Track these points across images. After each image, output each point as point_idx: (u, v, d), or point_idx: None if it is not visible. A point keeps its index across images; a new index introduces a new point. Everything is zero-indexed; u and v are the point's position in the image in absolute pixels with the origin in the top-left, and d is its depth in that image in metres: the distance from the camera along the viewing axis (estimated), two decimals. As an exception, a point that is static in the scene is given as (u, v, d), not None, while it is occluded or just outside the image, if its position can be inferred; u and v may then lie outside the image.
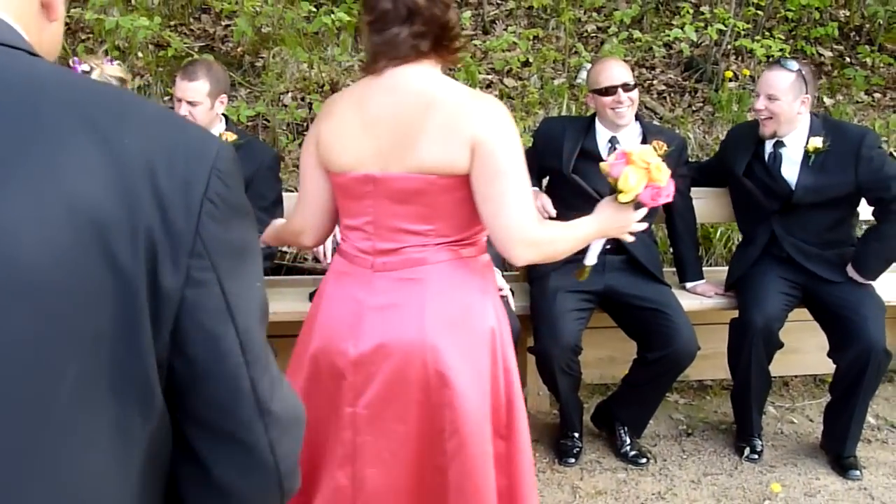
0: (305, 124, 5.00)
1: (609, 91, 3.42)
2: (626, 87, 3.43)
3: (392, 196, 2.01)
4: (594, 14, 5.72)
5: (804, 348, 4.02)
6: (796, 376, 4.32)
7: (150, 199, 0.78)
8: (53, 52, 0.96)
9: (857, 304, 3.44)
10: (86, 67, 2.57)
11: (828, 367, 3.63)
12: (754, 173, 3.67)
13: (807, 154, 3.56)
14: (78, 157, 0.77)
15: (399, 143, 1.97)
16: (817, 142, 3.54)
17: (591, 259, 2.52)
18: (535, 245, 1.99)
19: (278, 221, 2.63)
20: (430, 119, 1.94)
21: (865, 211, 3.66)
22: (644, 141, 3.48)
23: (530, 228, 1.96)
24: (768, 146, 3.64)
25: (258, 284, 0.89)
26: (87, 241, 0.75)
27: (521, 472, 2.14)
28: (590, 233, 2.20)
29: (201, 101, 3.36)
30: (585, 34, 5.84)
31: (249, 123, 4.86)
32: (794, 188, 3.55)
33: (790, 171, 3.58)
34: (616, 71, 3.46)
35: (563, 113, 5.09)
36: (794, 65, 3.55)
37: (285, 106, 5.09)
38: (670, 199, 2.27)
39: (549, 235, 2.05)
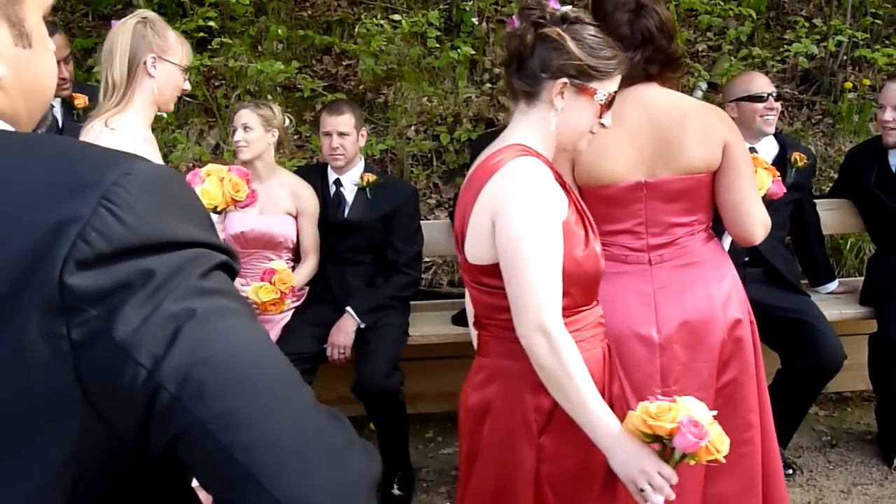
0: (431, 155, 5.20)
1: (761, 98, 3.49)
2: (775, 97, 3.52)
3: (663, 197, 2.30)
4: (707, 34, 5.77)
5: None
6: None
7: (17, 254, 0.69)
8: (43, 86, 0.87)
9: None
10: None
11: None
12: (884, 184, 3.68)
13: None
14: None
15: (664, 150, 2.26)
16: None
17: None
18: (767, 226, 2.37)
19: None
20: (688, 127, 2.27)
21: None
22: (783, 153, 3.55)
23: (765, 212, 2.37)
24: (893, 157, 3.65)
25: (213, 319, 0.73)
26: None
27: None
28: None
29: (349, 132, 3.60)
30: (697, 54, 5.89)
31: (378, 157, 5.08)
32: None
33: (918, 179, 3.59)
34: (764, 80, 3.57)
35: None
36: (923, 75, 3.57)
37: (409, 139, 5.29)
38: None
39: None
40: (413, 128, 5.39)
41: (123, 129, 2.36)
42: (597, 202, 2.32)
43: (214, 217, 2.41)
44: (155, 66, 2.41)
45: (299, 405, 0.75)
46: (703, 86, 5.33)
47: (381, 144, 4.99)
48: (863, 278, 4.01)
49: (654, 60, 2.29)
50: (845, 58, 5.63)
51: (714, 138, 2.29)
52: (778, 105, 3.55)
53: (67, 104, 3.58)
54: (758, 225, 2.35)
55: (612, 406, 1.91)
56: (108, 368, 0.70)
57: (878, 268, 3.76)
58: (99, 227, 0.69)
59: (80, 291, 0.69)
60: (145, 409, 0.70)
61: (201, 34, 5.26)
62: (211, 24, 5.14)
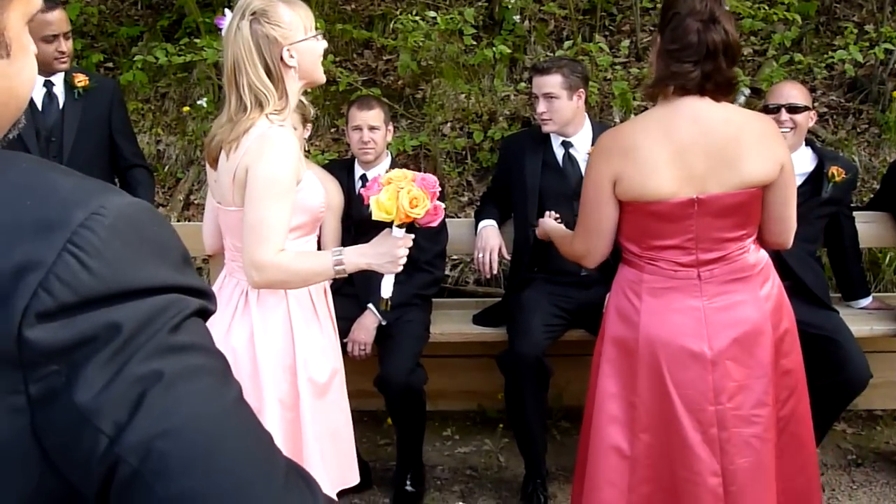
0: (465, 153, 5.19)
1: (771, 109, 3.42)
2: (792, 109, 3.42)
3: (715, 212, 2.28)
4: (751, 38, 5.66)
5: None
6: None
7: None
8: (16, 96, 0.82)
9: None
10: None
11: None
12: (928, 197, 3.57)
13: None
14: None
15: (718, 166, 2.24)
16: None
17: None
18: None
19: (565, 233, 2.78)
20: (746, 142, 2.25)
21: None
22: (820, 167, 3.47)
23: None
24: (942, 168, 3.54)
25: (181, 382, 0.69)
26: None
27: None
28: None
29: (380, 126, 3.60)
30: (741, 58, 5.78)
31: (411, 153, 5.08)
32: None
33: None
34: (786, 90, 3.48)
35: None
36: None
37: (444, 135, 5.28)
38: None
39: None
40: (448, 124, 5.38)
41: (288, 125, 2.24)
42: (644, 217, 2.31)
43: (396, 231, 2.20)
44: (292, 55, 2.21)
45: (269, 484, 0.70)
46: (746, 91, 5.23)
47: (415, 140, 4.99)
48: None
49: (711, 78, 2.24)
50: (895, 66, 5.48)
51: (773, 155, 2.31)
52: (791, 118, 3.43)
53: (69, 83, 3.61)
54: (793, 233, 2.45)
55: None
56: (66, 431, 0.66)
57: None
58: (63, 276, 0.64)
59: (39, 346, 0.64)
60: (104, 477, 0.67)
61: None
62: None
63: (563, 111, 3.50)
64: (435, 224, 2.22)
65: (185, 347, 0.70)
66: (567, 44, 5.04)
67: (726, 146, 2.25)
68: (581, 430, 2.63)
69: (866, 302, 3.85)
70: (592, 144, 3.56)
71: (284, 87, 2.20)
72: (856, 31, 5.22)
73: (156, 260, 0.70)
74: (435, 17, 4.65)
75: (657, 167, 2.24)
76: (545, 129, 3.55)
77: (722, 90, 2.28)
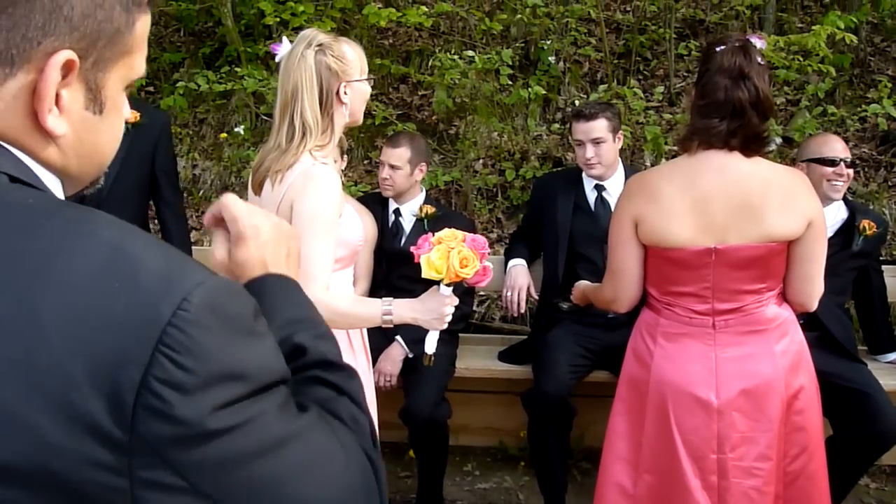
0: (496, 190, 5.24)
1: (833, 162, 3.43)
2: (847, 164, 3.45)
3: (733, 264, 2.29)
4: (784, 87, 5.69)
5: None
6: None
7: (62, 407, 0.67)
8: (83, 167, 0.85)
9: None
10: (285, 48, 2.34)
11: None
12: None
13: None
14: None
15: (739, 217, 2.26)
16: None
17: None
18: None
19: (594, 285, 2.85)
20: (772, 196, 2.26)
21: None
22: (851, 219, 3.48)
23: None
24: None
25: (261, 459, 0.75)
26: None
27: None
28: None
29: (402, 166, 3.65)
30: (774, 107, 5.81)
31: (444, 188, 5.14)
32: None
33: None
34: (840, 145, 3.50)
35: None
36: None
37: (476, 172, 5.35)
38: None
39: None
40: (481, 161, 5.44)
41: (331, 160, 2.28)
42: (663, 263, 2.35)
43: (444, 290, 2.21)
44: (346, 91, 2.24)
45: None
46: (778, 140, 5.25)
47: (447, 175, 5.05)
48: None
49: (736, 134, 2.26)
50: (929, 121, 5.49)
51: (800, 211, 2.30)
52: (849, 172, 3.46)
53: None
54: (818, 296, 2.42)
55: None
56: None
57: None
58: (160, 376, 0.69)
59: (147, 438, 0.69)
60: None
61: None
62: (293, 47, 5.29)
63: (609, 154, 3.56)
64: (483, 284, 2.24)
65: (285, 440, 0.76)
66: (602, 87, 5.10)
67: (749, 199, 2.27)
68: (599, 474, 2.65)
69: (893, 356, 3.85)
70: None
71: (332, 122, 2.23)
72: (890, 84, 5.24)
73: (236, 337, 0.75)
74: (473, 56, 4.72)
75: (677, 213, 2.27)
76: (591, 173, 3.59)
77: (751, 144, 2.30)
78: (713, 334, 2.33)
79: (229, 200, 1.02)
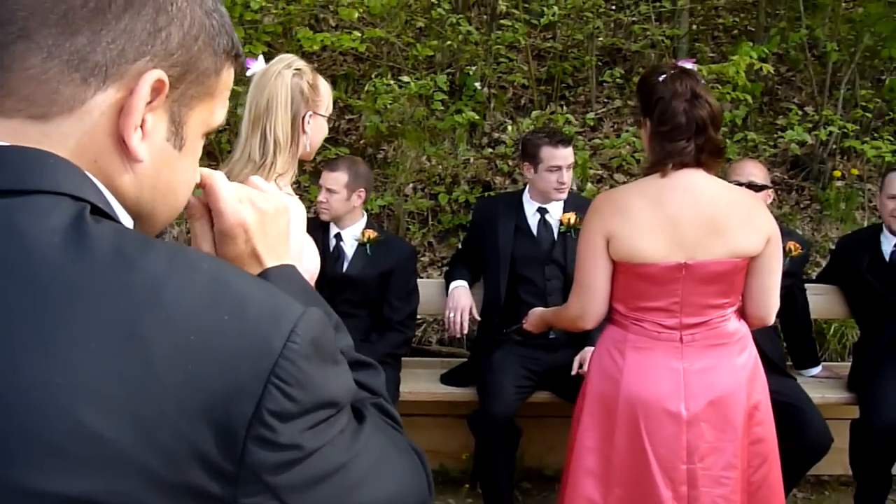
0: (426, 213, 5.28)
1: (757, 187, 3.58)
2: (753, 187, 3.59)
3: (701, 279, 2.38)
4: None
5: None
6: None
7: (173, 439, 0.66)
8: (158, 202, 0.82)
9: None
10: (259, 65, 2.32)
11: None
12: (876, 271, 3.78)
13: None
14: (86, 369, 0.65)
15: (707, 234, 2.36)
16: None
17: None
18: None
19: (554, 309, 2.88)
20: (735, 215, 2.38)
21: None
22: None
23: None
24: (889, 245, 3.75)
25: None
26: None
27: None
28: None
29: (338, 190, 3.64)
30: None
31: (377, 213, 5.15)
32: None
33: (913, 265, 3.69)
34: (748, 168, 3.66)
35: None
36: (922, 169, 3.71)
37: (406, 196, 5.38)
38: None
39: None
40: (411, 185, 5.48)
41: (290, 191, 2.23)
42: (633, 279, 2.41)
43: None
44: (310, 122, 2.23)
45: None
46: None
47: (380, 200, 5.07)
48: (844, 363, 4.09)
49: (704, 149, 2.38)
50: (834, 147, 5.80)
51: (759, 228, 2.42)
52: (768, 193, 3.63)
53: None
54: (776, 308, 2.56)
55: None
56: None
57: (864, 353, 3.83)
58: (272, 408, 0.69)
59: (256, 467, 0.69)
60: None
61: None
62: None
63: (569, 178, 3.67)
64: None
65: (356, 452, 0.79)
66: (535, 113, 5.21)
67: (715, 217, 2.37)
68: (560, 488, 2.69)
69: (816, 370, 4.03)
70: (564, 212, 3.70)
71: (296, 147, 2.22)
72: (799, 113, 5.52)
73: (329, 366, 0.77)
74: (408, 82, 4.76)
75: (649, 230, 2.35)
76: (559, 196, 3.65)
77: (714, 155, 2.43)
78: (680, 348, 2.41)
79: (217, 187, 0.95)
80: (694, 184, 2.39)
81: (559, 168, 3.61)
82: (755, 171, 3.68)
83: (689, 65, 2.51)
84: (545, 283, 3.69)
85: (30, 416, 0.63)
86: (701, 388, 2.39)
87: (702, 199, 2.38)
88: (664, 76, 2.42)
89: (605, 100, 6.35)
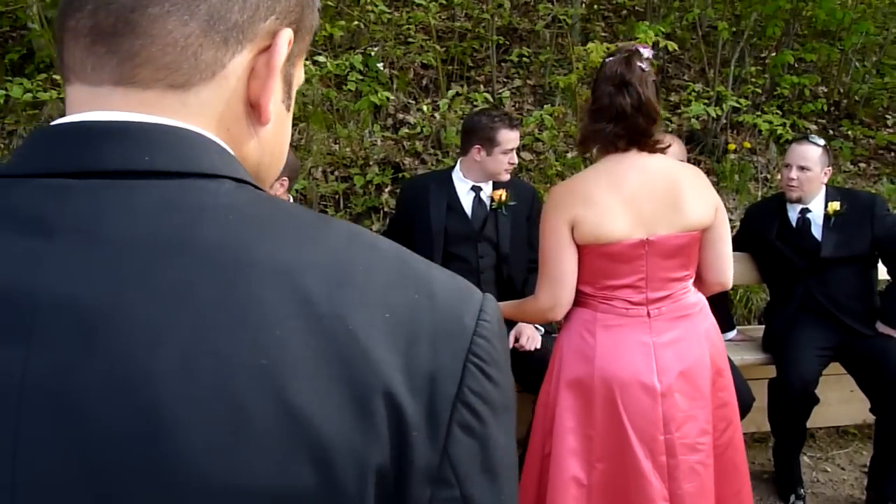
0: (337, 196, 5.21)
1: None
2: None
3: (663, 253, 2.44)
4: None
5: (827, 401, 4.27)
6: (820, 428, 4.57)
7: (381, 417, 0.61)
8: (272, 167, 0.77)
9: (891, 356, 3.70)
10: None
11: (849, 418, 3.98)
12: (785, 237, 3.98)
13: (827, 216, 3.89)
14: (287, 349, 0.59)
15: (663, 210, 2.41)
16: (836, 205, 3.89)
17: None
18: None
19: (515, 302, 2.80)
20: (685, 189, 2.44)
21: (881, 272, 3.98)
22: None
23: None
24: (794, 212, 3.96)
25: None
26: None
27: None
28: None
29: None
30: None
31: (295, 197, 5.05)
32: (821, 246, 3.86)
33: (816, 232, 3.91)
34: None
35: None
36: (820, 140, 3.92)
37: (315, 179, 5.29)
38: None
39: None
40: (320, 169, 5.39)
41: None
42: (599, 259, 2.46)
43: None
44: None
45: None
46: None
47: (297, 184, 4.96)
48: (753, 326, 4.30)
49: (622, 136, 2.43)
50: (726, 122, 6.07)
51: (707, 199, 2.53)
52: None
53: None
54: (729, 269, 2.66)
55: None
56: None
57: (776, 316, 4.04)
58: (475, 389, 0.65)
59: (455, 460, 0.64)
60: None
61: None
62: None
63: None
64: None
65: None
66: (451, 93, 5.21)
67: (669, 192, 2.45)
68: (524, 468, 2.70)
69: (732, 335, 4.22)
70: (494, 189, 3.72)
71: None
72: (696, 89, 5.74)
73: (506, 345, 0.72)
74: (325, 62, 4.67)
75: (612, 210, 2.41)
76: (507, 177, 3.70)
77: (640, 145, 2.46)
78: (648, 322, 2.48)
79: None
80: (645, 163, 2.46)
81: (512, 150, 3.66)
82: (676, 149, 3.80)
83: (643, 49, 2.51)
84: (478, 261, 3.72)
85: (241, 403, 0.57)
86: (671, 360, 2.46)
87: (654, 177, 2.45)
88: (612, 58, 2.48)
89: (505, 79, 6.42)
